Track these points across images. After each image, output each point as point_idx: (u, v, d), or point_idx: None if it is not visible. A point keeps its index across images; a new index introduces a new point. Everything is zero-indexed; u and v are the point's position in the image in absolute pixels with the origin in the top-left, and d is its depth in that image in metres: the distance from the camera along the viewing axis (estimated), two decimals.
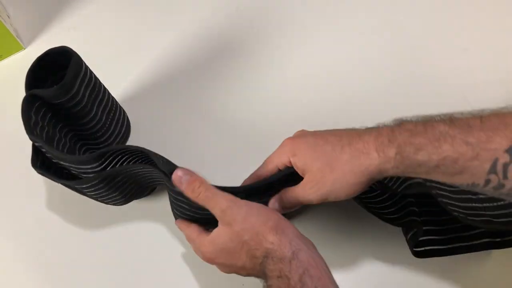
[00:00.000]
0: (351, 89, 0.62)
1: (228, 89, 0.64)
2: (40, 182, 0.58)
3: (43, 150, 0.48)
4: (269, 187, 0.45)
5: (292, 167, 0.43)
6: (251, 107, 0.62)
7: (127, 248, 0.55)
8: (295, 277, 0.36)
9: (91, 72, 0.51)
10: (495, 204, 0.47)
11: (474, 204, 0.48)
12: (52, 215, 0.57)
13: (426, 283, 0.51)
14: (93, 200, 0.52)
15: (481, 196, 0.48)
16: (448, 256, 0.50)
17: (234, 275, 0.52)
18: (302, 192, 0.42)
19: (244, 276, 0.43)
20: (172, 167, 0.44)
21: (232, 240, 0.40)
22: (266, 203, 0.46)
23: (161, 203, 0.56)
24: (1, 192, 0.59)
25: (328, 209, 0.54)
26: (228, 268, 0.43)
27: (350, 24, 0.68)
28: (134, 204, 0.56)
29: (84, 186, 0.48)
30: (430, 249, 0.50)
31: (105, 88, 0.55)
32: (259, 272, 0.40)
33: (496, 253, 0.52)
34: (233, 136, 0.61)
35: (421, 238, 0.50)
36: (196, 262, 0.53)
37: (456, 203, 0.48)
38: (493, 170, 0.34)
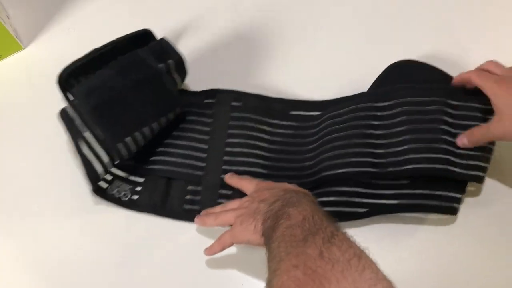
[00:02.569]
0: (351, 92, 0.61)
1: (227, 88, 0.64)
2: (41, 178, 0.59)
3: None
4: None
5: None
6: None
7: (127, 245, 0.55)
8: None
9: None
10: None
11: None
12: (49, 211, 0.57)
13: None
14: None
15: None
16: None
17: (233, 275, 0.53)
18: (489, 130, 0.48)
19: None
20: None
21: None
22: None
23: None
24: (1, 189, 0.59)
25: None
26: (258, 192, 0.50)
27: (352, 23, 0.69)
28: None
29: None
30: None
31: None
32: (278, 196, 0.46)
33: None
34: None
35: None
36: (197, 262, 0.53)
37: None
38: None
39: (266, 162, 0.57)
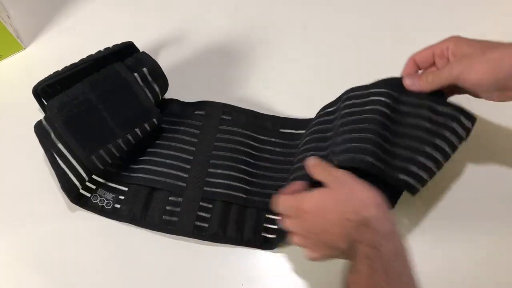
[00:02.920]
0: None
1: (226, 89, 0.64)
2: (42, 178, 0.59)
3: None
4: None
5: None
6: (250, 107, 0.62)
7: (127, 247, 0.55)
8: (387, 251, 0.38)
9: None
10: None
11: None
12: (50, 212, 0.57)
13: None
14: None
15: None
16: None
17: (233, 275, 0.53)
18: (448, 66, 0.46)
19: (328, 251, 0.43)
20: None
21: (331, 199, 0.42)
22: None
23: None
24: (1, 189, 0.59)
25: None
26: (318, 235, 0.43)
27: (350, 23, 0.69)
28: None
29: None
30: None
31: None
32: (346, 238, 0.41)
33: None
34: None
35: None
36: (197, 262, 0.53)
37: None
38: None
39: (250, 178, 0.56)
